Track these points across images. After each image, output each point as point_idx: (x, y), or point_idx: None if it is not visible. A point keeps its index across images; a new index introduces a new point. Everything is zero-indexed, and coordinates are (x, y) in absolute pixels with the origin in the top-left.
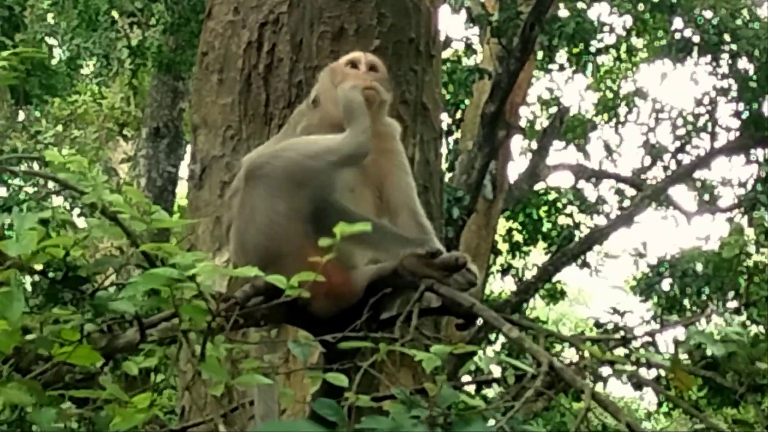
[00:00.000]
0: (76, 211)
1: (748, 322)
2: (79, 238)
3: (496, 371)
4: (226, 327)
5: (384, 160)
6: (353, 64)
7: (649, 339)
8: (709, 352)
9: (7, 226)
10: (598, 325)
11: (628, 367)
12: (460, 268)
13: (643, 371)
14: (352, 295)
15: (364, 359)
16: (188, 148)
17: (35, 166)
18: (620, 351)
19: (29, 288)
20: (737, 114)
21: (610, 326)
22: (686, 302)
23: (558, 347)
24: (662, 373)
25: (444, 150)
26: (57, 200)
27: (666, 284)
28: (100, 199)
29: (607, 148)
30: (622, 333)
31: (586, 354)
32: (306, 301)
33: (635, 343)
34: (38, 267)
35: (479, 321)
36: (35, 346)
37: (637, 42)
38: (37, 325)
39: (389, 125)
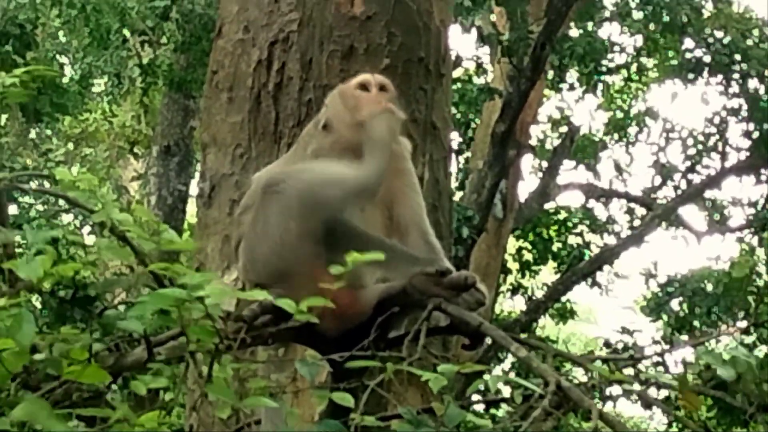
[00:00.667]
0: (87, 228)
1: (758, 342)
2: (89, 260)
3: (506, 391)
4: (234, 346)
5: (395, 180)
6: (363, 86)
7: (659, 359)
8: (718, 374)
9: (18, 244)
10: (607, 344)
11: (636, 387)
12: (469, 287)
13: (652, 391)
14: (361, 314)
15: (371, 378)
16: (199, 166)
17: (45, 184)
18: (629, 371)
19: (38, 305)
20: (747, 134)
21: (619, 346)
22: (696, 322)
23: (567, 366)
24: (671, 394)
25: (454, 169)
26: (67, 218)
27: (675, 304)
28: (109, 217)
29: (618, 167)
30: (630, 353)
31: (595, 374)
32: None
33: (644, 363)
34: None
35: (487, 341)
36: (44, 366)
37: (648, 62)
38: (46, 345)
39: (400, 144)
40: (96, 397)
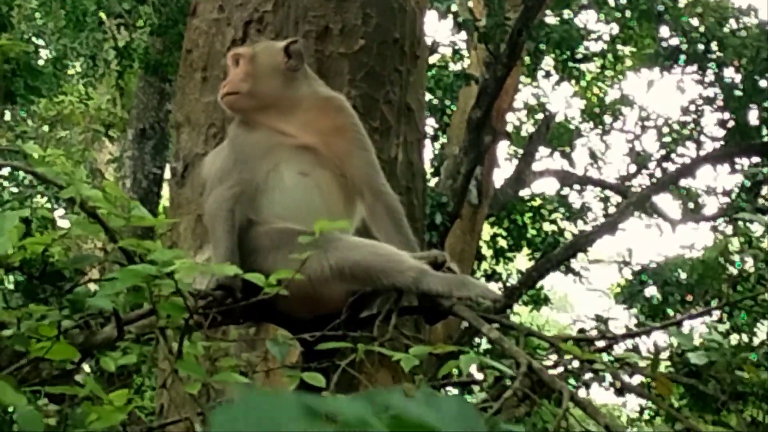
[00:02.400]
0: (60, 212)
1: (731, 330)
2: (58, 235)
3: (481, 376)
4: (204, 324)
5: (336, 138)
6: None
7: (632, 343)
8: (690, 360)
9: None
10: (582, 332)
11: (608, 371)
12: (440, 266)
13: (625, 379)
14: (335, 300)
15: (343, 358)
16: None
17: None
18: (604, 357)
19: (12, 286)
20: (723, 123)
21: (593, 333)
22: (669, 310)
23: (542, 353)
24: (643, 381)
25: (429, 155)
26: (41, 200)
27: (649, 292)
28: (78, 194)
29: (593, 155)
30: (600, 335)
31: (568, 358)
32: (285, 303)
33: (618, 349)
34: (17, 264)
35: (463, 324)
36: (12, 342)
37: (624, 50)
38: (14, 321)
39: (331, 99)
40: (65, 375)
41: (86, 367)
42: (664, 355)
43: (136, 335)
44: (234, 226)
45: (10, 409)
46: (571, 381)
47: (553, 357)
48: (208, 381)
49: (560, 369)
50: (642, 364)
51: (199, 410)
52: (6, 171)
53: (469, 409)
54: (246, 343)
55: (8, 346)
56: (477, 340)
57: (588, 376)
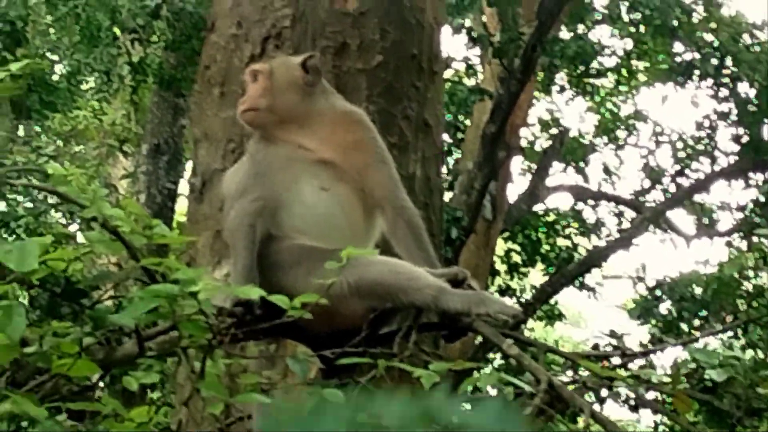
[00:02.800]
0: (74, 227)
1: (746, 346)
2: (80, 252)
3: (493, 392)
4: (225, 341)
5: (356, 152)
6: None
7: (649, 360)
8: (708, 376)
9: (11, 233)
10: (596, 347)
11: (627, 387)
12: (461, 283)
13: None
14: (354, 317)
15: (362, 374)
16: (188, 165)
17: (35, 181)
18: (621, 372)
19: (26, 301)
20: (737, 138)
21: (608, 349)
22: (684, 326)
23: (556, 368)
24: (659, 396)
25: (444, 170)
26: (55, 216)
27: (664, 308)
28: (100, 212)
29: (607, 170)
30: (620, 351)
31: (585, 374)
32: (304, 319)
33: (633, 365)
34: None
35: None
36: (34, 359)
37: (638, 65)
38: (36, 338)
39: (350, 113)
40: (84, 392)
41: (100, 382)
42: (682, 368)
43: (160, 351)
44: (254, 241)
45: (24, 424)
46: (587, 397)
47: (569, 373)
48: (231, 401)
49: (577, 385)
50: (658, 380)
51: (219, 426)
52: (21, 187)
53: (511, 410)
54: (266, 359)
55: (29, 363)
56: (491, 355)
57: (606, 393)
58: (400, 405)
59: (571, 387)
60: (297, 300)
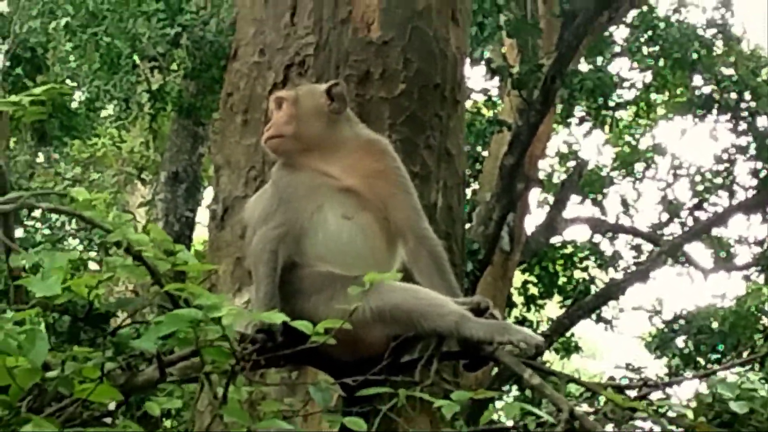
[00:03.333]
0: (92, 253)
1: (764, 380)
2: (103, 277)
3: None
4: (246, 368)
5: (379, 181)
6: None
7: (668, 391)
8: (731, 407)
9: (26, 267)
10: (611, 380)
11: (648, 419)
12: (483, 312)
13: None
14: (376, 345)
15: (382, 402)
16: (206, 193)
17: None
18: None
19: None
20: (755, 172)
21: (624, 382)
22: (701, 360)
23: (575, 399)
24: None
25: None
26: (73, 243)
27: (681, 341)
28: (125, 237)
29: (624, 203)
30: (642, 382)
31: (603, 404)
32: (326, 346)
33: (654, 397)
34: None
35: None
36: (56, 384)
37: (657, 98)
38: (57, 363)
39: (374, 142)
40: (104, 418)
41: (120, 408)
42: (703, 398)
43: (181, 377)
44: (276, 268)
45: None
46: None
47: (586, 404)
48: (253, 428)
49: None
50: (678, 411)
51: None
52: (38, 213)
53: None
54: (286, 387)
55: (51, 388)
56: (506, 387)
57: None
58: None
59: (591, 418)
60: (320, 325)
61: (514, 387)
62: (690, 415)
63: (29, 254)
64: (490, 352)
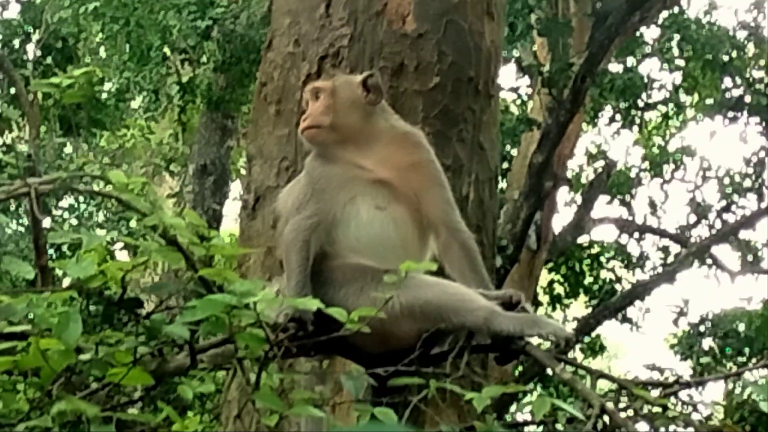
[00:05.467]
0: (119, 244)
1: None
2: (138, 261)
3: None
4: (278, 355)
5: (413, 173)
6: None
7: (687, 394)
8: (761, 407)
9: (56, 249)
10: (639, 383)
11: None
12: (515, 306)
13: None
14: (406, 339)
15: (411, 394)
16: (233, 186)
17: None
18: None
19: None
20: None
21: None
22: (727, 363)
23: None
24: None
25: None
26: (101, 233)
27: (706, 344)
28: (161, 221)
29: (652, 204)
30: (675, 379)
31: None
32: (356, 337)
33: (679, 398)
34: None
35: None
36: (89, 367)
37: (686, 99)
38: (90, 346)
39: (409, 134)
40: (134, 403)
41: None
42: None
43: (212, 365)
44: (308, 257)
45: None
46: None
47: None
48: (286, 413)
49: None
50: (703, 411)
51: None
52: (66, 203)
53: None
54: (316, 376)
55: (83, 371)
56: (530, 386)
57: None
58: None
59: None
60: (354, 313)
61: (539, 386)
62: (720, 414)
63: (67, 232)
64: (521, 346)
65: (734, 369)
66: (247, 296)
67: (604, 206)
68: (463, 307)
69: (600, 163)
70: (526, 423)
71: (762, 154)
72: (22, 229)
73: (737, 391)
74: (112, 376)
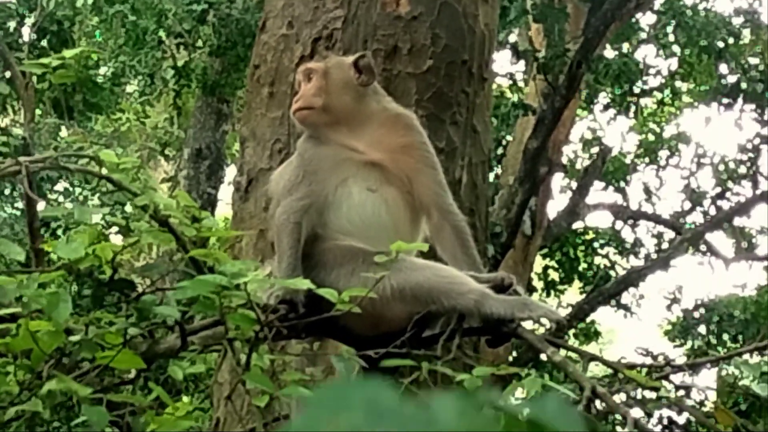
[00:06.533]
0: (113, 228)
1: None
2: (128, 242)
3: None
4: (269, 337)
5: (404, 155)
6: (307, 75)
7: (681, 380)
8: (753, 390)
9: (51, 233)
10: (631, 366)
11: (674, 399)
12: (507, 288)
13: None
14: (397, 321)
15: (402, 377)
16: (228, 170)
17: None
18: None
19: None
20: None
21: (643, 369)
22: (720, 349)
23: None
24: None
25: None
26: (95, 218)
27: (701, 330)
28: (152, 201)
29: (647, 190)
30: (665, 362)
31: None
32: (347, 319)
33: (672, 382)
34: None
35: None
36: (78, 348)
37: (682, 86)
38: (81, 327)
39: (401, 116)
40: (125, 384)
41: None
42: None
43: (202, 346)
44: (299, 239)
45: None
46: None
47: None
48: (276, 394)
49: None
50: (696, 397)
51: (264, 421)
52: (61, 187)
53: (570, 408)
54: (307, 358)
55: (73, 353)
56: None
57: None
58: (457, 402)
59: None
60: (345, 293)
61: (533, 372)
62: (712, 396)
63: (60, 208)
64: (512, 329)
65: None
66: (237, 277)
67: (599, 192)
68: (454, 290)
69: (595, 149)
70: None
71: (757, 140)
72: (17, 212)
73: (730, 375)
74: (102, 358)
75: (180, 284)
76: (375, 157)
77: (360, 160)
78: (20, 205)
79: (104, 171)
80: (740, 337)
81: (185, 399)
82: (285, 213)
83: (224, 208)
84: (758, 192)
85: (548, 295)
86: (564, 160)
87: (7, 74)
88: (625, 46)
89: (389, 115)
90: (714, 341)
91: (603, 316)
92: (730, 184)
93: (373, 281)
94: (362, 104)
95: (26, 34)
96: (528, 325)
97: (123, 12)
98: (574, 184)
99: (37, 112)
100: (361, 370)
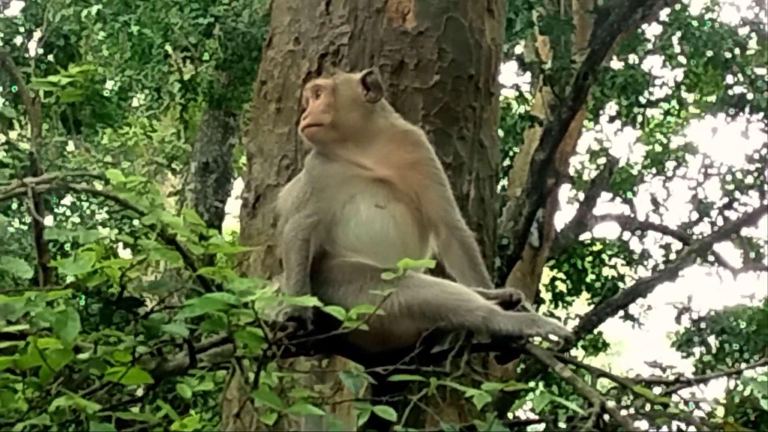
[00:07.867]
0: (122, 244)
1: None
2: (136, 260)
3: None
4: (277, 354)
5: (412, 172)
6: (315, 92)
7: (695, 390)
8: (763, 405)
9: (58, 247)
10: (640, 381)
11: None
12: (515, 304)
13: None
14: (405, 338)
15: (411, 393)
16: (235, 184)
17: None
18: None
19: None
20: None
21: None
22: (728, 360)
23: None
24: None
25: None
26: (103, 231)
27: (708, 340)
28: (159, 220)
29: (654, 201)
30: (675, 377)
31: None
32: (355, 336)
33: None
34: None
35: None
36: (87, 366)
37: (688, 96)
38: (89, 345)
39: (408, 132)
40: (133, 403)
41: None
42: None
43: (211, 364)
44: (308, 256)
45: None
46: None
47: (612, 400)
48: (285, 411)
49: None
50: (705, 409)
51: None
52: (68, 201)
53: None
54: (315, 375)
55: (82, 370)
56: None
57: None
58: None
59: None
60: (353, 311)
61: (541, 385)
62: (720, 411)
63: (64, 230)
64: (521, 345)
65: (735, 366)
66: (245, 295)
67: (606, 203)
68: (462, 307)
69: (602, 161)
70: (527, 422)
71: (764, 151)
72: (24, 227)
73: (738, 388)
74: (111, 375)
75: (188, 302)
76: (383, 174)
77: (368, 177)
78: (28, 219)
79: (110, 187)
80: (747, 348)
81: (193, 413)
82: (293, 230)
83: (232, 222)
84: (765, 202)
85: (556, 306)
86: (571, 171)
87: (14, 88)
88: (632, 58)
89: (397, 131)
90: (720, 353)
91: (611, 327)
92: (737, 194)
93: (381, 298)
94: (370, 121)
95: (33, 48)
96: (536, 339)
97: (129, 24)
98: (581, 196)
99: (44, 126)
100: (370, 387)
